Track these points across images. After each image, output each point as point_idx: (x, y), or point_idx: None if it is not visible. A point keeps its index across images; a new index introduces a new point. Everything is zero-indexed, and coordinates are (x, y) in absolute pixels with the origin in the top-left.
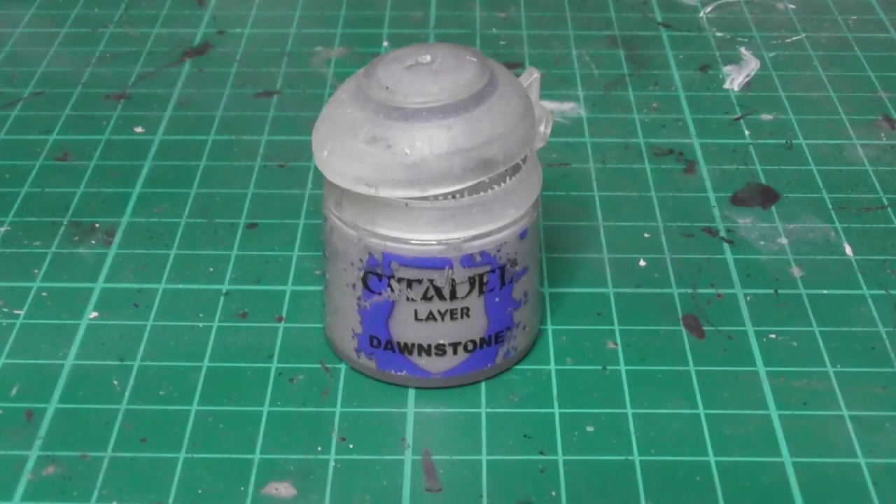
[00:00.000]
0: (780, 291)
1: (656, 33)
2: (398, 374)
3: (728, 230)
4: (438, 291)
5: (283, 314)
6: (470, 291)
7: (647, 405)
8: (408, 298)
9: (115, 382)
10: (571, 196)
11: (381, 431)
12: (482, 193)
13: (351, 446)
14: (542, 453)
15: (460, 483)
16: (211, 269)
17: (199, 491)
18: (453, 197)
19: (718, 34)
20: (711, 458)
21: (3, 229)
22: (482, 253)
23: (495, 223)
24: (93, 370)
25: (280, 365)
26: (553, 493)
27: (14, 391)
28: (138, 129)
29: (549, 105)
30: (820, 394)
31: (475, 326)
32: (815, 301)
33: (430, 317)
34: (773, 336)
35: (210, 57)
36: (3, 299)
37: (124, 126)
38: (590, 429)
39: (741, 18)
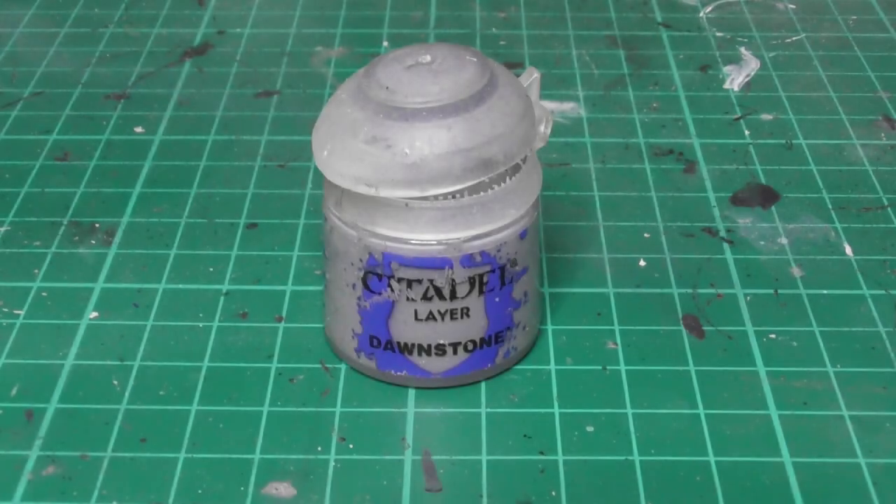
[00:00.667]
0: (780, 291)
1: (656, 33)
2: (398, 374)
3: (728, 230)
4: (438, 291)
5: (283, 314)
6: (470, 291)
7: (647, 405)
8: (408, 298)
9: (115, 382)
10: (571, 196)
11: (381, 431)
12: (482, 193)
13: (351, 446)
14: (542, 453)
15: (460, 483)
16: (211, 269)
17: (199, 491)
18: (453, 197)
19: (718, 34)
20: (711, 458)
21: (3, 229)
22: (482, 253)
23: (495, 223)
24: (93, 370)
25: (280, 365)
26: (553, 493)
27: (14, 391)
28: (138, 129)
29: (549, 105)
30: (820, 394)
31: (475, 326)
32: (815, 301)
33: (430, 317)
34: (773, 336)
35: (210, 57)
36: (3, 299)
37: (124, 126)
38: (590, 429)
39: (741, 18)
